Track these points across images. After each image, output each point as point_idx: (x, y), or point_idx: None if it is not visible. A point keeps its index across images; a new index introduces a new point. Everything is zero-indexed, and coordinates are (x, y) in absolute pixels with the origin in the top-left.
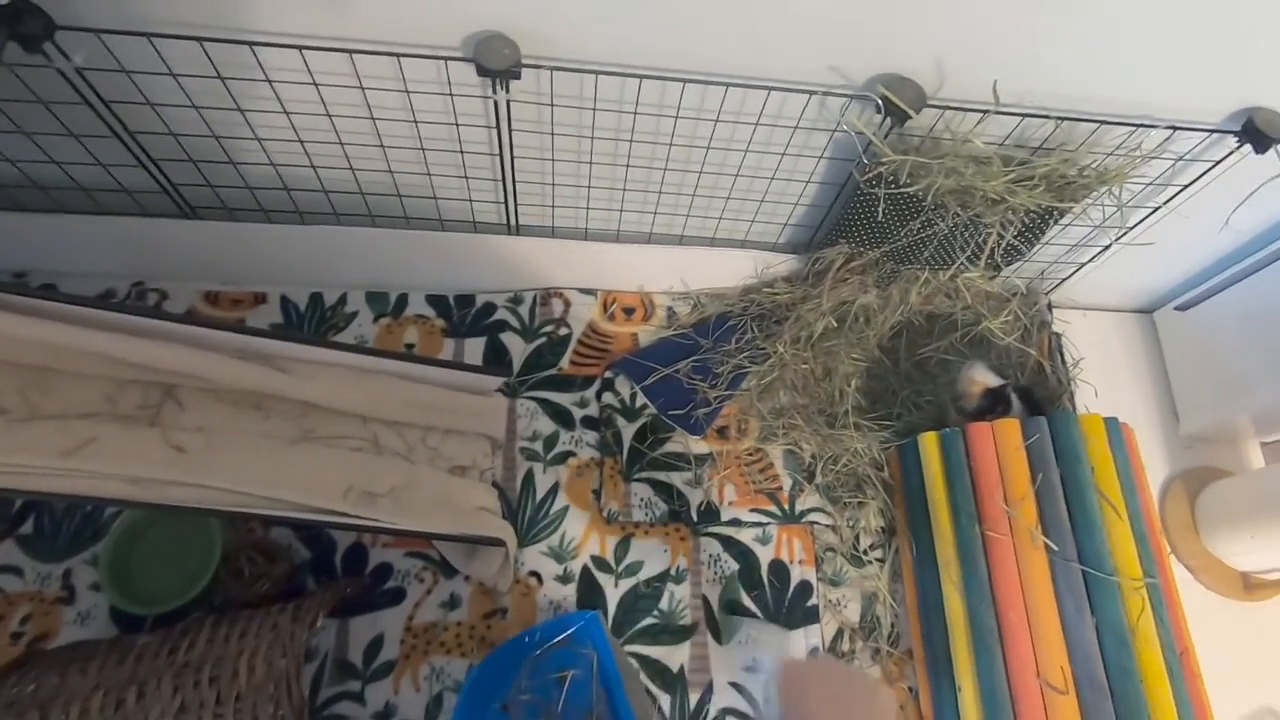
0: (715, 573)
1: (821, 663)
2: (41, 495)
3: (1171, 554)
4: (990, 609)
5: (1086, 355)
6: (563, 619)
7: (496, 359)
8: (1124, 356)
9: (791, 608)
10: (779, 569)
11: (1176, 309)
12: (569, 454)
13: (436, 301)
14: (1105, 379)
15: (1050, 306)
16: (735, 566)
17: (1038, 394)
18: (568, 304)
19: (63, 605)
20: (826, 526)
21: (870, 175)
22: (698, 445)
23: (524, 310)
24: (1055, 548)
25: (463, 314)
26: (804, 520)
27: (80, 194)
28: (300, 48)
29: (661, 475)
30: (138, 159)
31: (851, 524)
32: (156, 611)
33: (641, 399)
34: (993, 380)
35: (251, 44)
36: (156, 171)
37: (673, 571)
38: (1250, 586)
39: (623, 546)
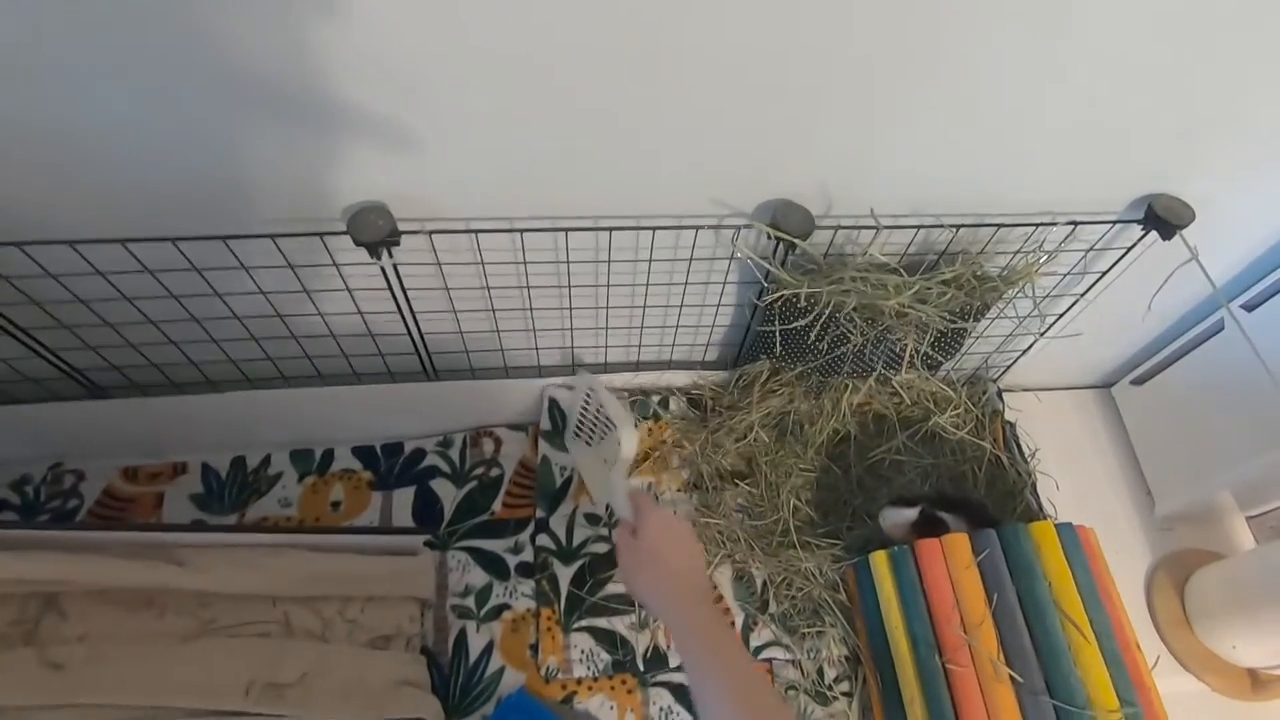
0: None
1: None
2: None
3: (1166, 658)
4: None
5: (1046, 438)
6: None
7: (427, 508)
8: (1086, 437)
9: None
10: None
11: (1133, 383)
12: (504, 607)
13: (363, 453)
14: (1069, 462)
15: (1000, 393)
16: (689, 719)
17: (972, 497)
18: (499, 442)
19: None
20: (786, 661)
21: (768, 303)
22: None
23: (454, 453)
24: (1021, 680)
25: (390, 464)
26: (760, 657)
27: None
28: (174, 239)
29: (603, 621)
30: (35, 352)
31: (812, 655)
32: None
33: (579, 538)
34: (908, 514)
35: (123, 241)
36: (57, 360)
37: None
38: (1258, 684)
39: (565, 708)
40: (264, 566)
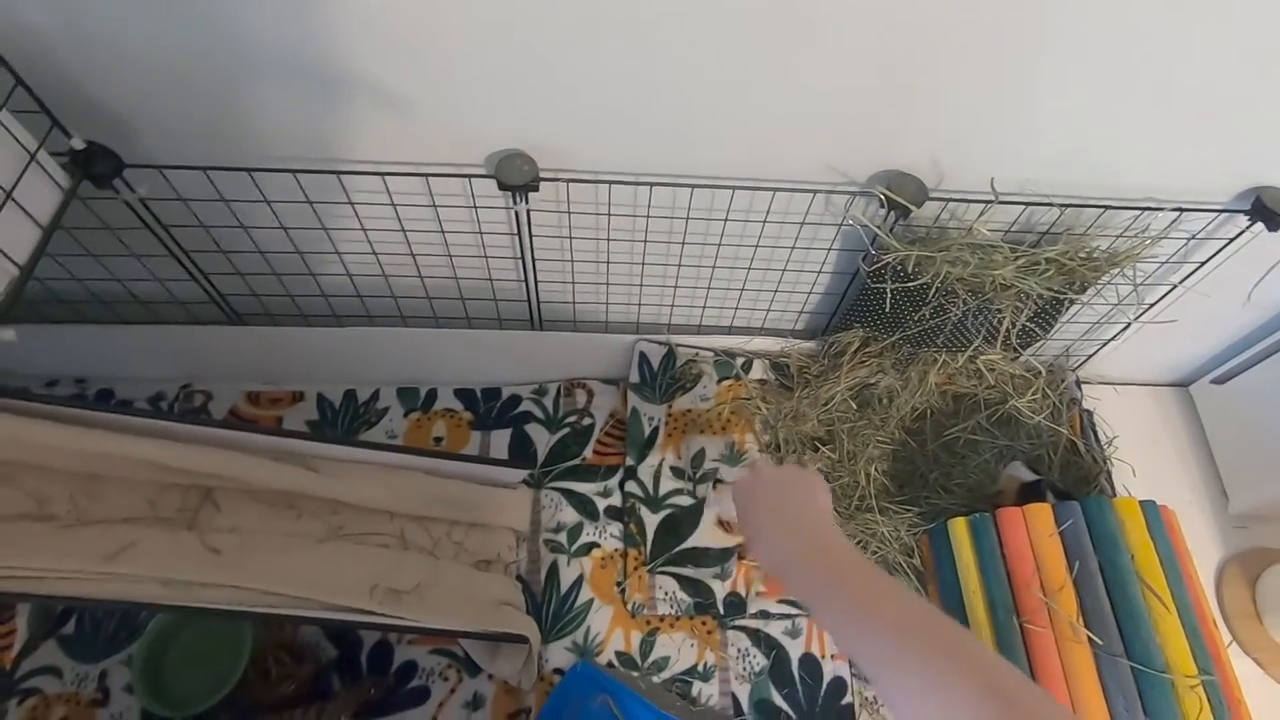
0: (744, 669)
1: (760, 472)
2: (82, 601)
3: (1233, 645)
4: None
5: (1123, 432)
6: (557, 689)
7: (522, 450)
8: (1164, 433)
9: (825, 707)
10: (810, 664)
11: (1213, 382)
12: (593, 545)
13: (464, 395)
14: (1145, 457)
15: (1079, 383)
16: (764, 662)
17: (1075, 494)
18: (591, 394)
19: (97, 708)
20: None
21: (876, 268)
22: (723, 536)
23: (548, 401)
24: (1100, 641)
25: (489, 407)
26: None
27: (138, 306)
28: (338, 173)
29: (688, 570)
30: (191, 274)
31: None
32: (184, 715)
33: (665, 489)
34: (1028, 475)
35: (295, 171)
36: (207, 284)
37: (700, 668)
38: None
39: (648, 641)
40: (386, 483)
